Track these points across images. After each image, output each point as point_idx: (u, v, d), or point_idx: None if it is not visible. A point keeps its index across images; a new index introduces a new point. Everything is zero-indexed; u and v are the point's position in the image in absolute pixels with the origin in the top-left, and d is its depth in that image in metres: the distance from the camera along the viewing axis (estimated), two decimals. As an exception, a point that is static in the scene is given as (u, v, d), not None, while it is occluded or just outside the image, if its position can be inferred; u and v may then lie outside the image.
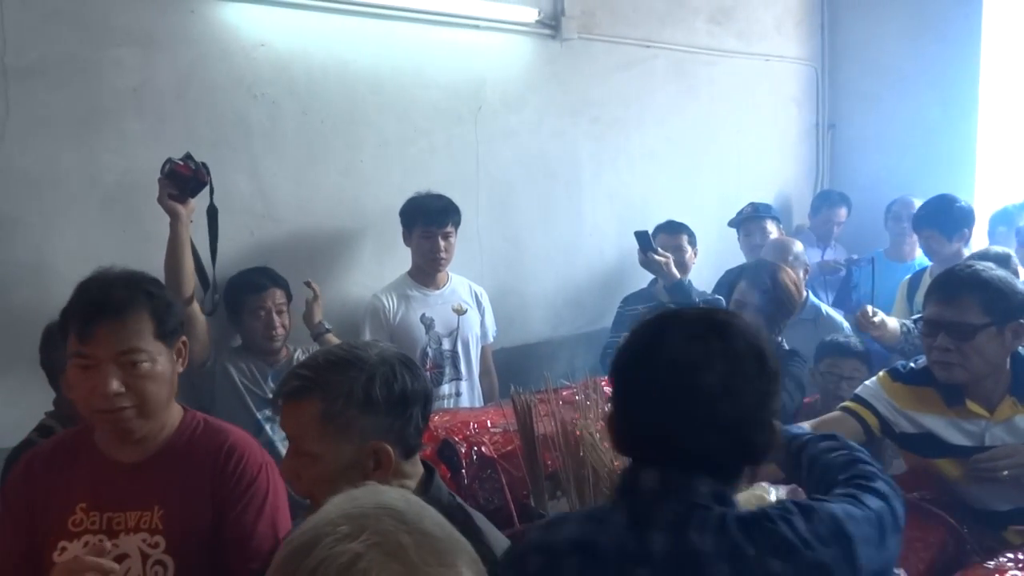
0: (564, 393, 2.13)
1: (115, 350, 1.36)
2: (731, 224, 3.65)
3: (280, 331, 2.45)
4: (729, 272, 3.44)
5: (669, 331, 1.09)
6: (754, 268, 2.57)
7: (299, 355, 2.50)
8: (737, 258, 3.74)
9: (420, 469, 1.29)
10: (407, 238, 2.80)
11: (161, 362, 1.41)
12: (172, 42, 2.49)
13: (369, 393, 1.19)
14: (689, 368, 1.05)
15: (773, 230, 3.49)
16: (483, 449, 1.93)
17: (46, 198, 2.29)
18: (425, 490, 1.26)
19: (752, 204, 3.63)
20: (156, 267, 2.29)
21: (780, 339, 2.45)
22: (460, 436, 1.98)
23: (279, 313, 2.45)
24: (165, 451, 1.46)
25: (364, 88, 2.90)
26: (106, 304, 1.36)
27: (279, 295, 2.46)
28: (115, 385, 1.35)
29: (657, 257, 3.01)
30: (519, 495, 1.88)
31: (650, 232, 3.14)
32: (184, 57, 2.51)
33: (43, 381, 1.92)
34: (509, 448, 1.93)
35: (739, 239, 3.61)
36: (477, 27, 3.16)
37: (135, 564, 1.39)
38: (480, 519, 1.30)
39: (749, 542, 1.02)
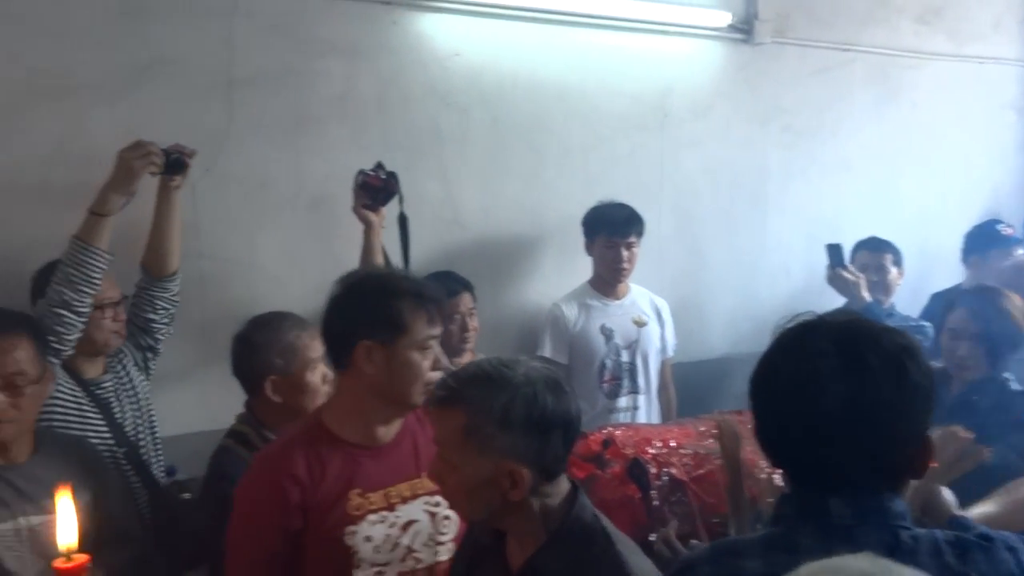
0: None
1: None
2: (970, 248, 3.23)
3: (472, 333, 2.50)
4: (937, 297, 3.17)
5: (798, 345, 1.05)
6: (974, 294, 2.33)
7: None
8: (942, 280, 3.44)
9: (564, 488, 1.26)
10: (589, 247, 2.77)
11: None
12: (375, 52, 2.59)
13: (508, 413, 1.19)
14: (808, 386, 1.00)
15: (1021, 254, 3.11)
16: (673, 471, 1.85)
17: (258, 200, 2.45)
18: (568, 509, 1.23)
19: (998, 223, 3.21)
20: (350, 269, 2.40)
21: (1006, 376, 2.18)
22: (647, 455, 1.91)
23: (470, 316, 2.50)
24: (404, 428, 1.57)
25: (551, 96, 2.90)
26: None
27: (468, 299, 2.51)
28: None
29: (846, 275, 2.81)
30: (710, 522, 1.79)
31: (848, 248, 2.93)
32: (385, 67, 2.61)
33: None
34: (701, 471, 1.84)
35: (969, 262, 3.22)
36: (666, 33, 3.08)
37: (425, 525, 1.54)
38: (624, 544, 1.25)
39: (971, 568, 0.97)
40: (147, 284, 2.15)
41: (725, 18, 3.13)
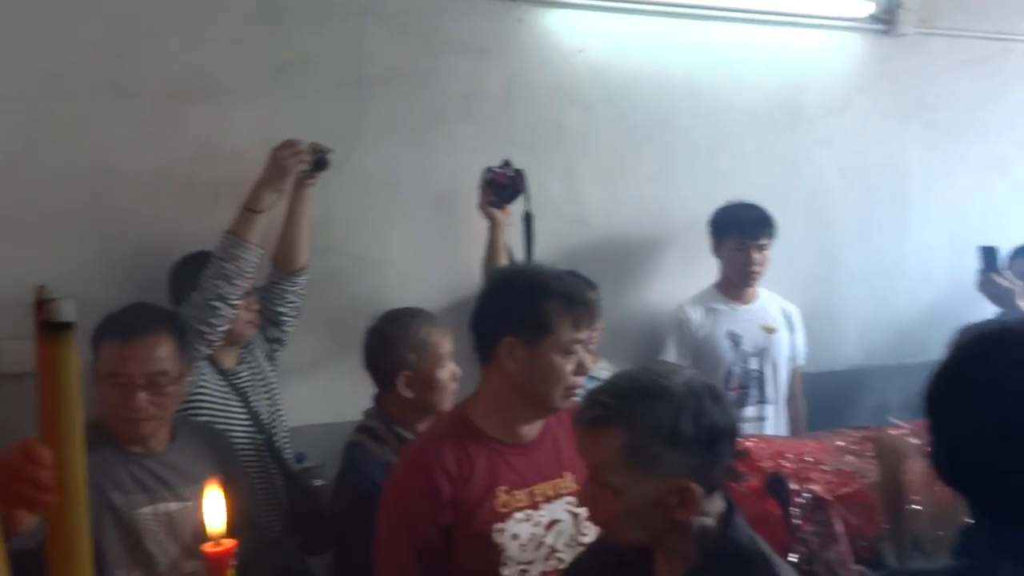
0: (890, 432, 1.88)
1: None
2: None
3: (596, 334, 2.43)
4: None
5: (989, 356, 0.97)
6: None
7: (604, 365, 2.46)
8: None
9: (720, 506, 1.19)
10: (717, 249, 2.66)
11: None
12: (500, 50, 2.58)
13: (677, 428, 1.12)
14: (1007, 400, 0.93)
15: None
16: (816, 488, 1.73)
17: (385, 197, 2.47)
18: (724, 530, 1.16)
19: None
20: (474, 267, 2.39)
21: None
22: (786, 470, 1.80)
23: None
24: (545, 427, 1.56)
25: (677, 92, 2.81)
26: None
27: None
28: None
29: (1001, 281, 2.59)
30: (857, 546, 1.67)
31: (1003, 252, 2.71)
32: (509, 64, 2.60)
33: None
34: (846, 490, 1.72)
35: None
36: (800, 25, 2.94)
37: (567, 525, 1.53)
38: (785, 571, 1.16)
39: None
40: (277, 278, 2.20)
41: (866, 8, 2.95)
